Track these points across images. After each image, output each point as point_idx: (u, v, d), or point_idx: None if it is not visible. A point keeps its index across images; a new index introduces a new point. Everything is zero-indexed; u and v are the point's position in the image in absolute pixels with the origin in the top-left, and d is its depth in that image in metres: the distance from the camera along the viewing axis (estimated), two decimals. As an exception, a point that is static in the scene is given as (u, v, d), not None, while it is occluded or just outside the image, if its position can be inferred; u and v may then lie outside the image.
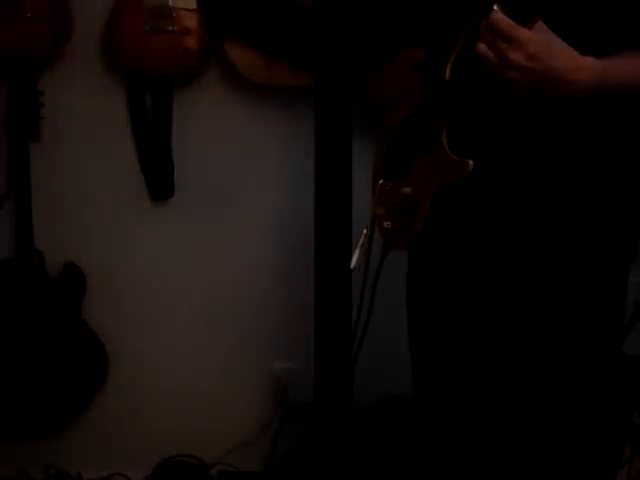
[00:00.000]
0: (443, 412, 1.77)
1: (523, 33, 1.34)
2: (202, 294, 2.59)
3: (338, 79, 2.11)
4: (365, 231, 1.70)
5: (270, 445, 2.60)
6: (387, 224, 1.63)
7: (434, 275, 1.71)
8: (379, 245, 1.69)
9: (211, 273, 2.58)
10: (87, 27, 2.42)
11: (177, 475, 2.60)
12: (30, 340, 2.44)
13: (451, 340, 1.71)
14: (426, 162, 1.52)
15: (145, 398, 2.62)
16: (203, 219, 2.56)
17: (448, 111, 1.47)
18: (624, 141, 1.53)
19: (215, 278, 2.59)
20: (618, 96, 1.45)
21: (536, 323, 1.59)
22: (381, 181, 1.64)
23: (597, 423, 1.63)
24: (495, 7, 1.34)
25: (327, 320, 2.21)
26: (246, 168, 2.54)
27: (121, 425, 2.62)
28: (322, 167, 2.18)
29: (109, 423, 2.61)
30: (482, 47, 1.37)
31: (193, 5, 2.35)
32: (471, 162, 1.44)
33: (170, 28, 2.33)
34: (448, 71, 1.45)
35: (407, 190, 1.56)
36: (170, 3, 2.33)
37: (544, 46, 1.36)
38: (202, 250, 2.57)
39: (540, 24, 1.35)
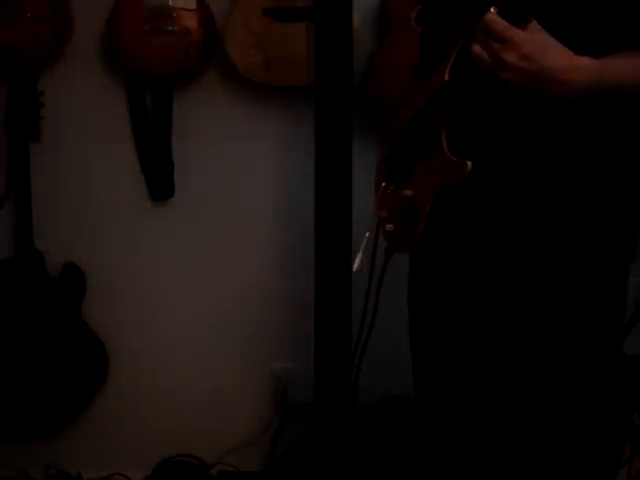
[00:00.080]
0: (444, 412, 1.77)
1: (517, 34, 1.34)
2: (202, 294, 2.59)
3: (338, 79, 2.11)
4: (368, 234, 1.70)
5: (270, 445, 2.61)
6: (390, 227, 1.63)
7: (435, 276, 1.71)
8: (382, 248, 1.69)
9: (211, 273, 2.58)
10: (87, 27, 2.42)
11: (177, 475, 2.60)
12: (30, 340, 2.44)
13: (452, 340, 1.71)
14: (427, 164, 1.52)
15: (145, 398, 2.62)
16: (203, 219, 2.56)
17: (448, 112, 1.47)
18: (622, 140, 1.53)
19: (215, 278, 2.59)
20: (616, 96, 1.45)
21: (536, 323, 1.59)
22: (384, 184, 1.64)
23: (597, 423, 1.63)
24: (492, 9, 1.34)
25: (327, 320, 2.21)
26: (246, 168, 2.54)
27: (121, 425, 2.62)
28: (322, 167, 2.18)
29: (109, 423, 2.61)
30: (476, 48, 1.37)
31: (193, 5, 2.35)
32: (469, 163, 1.43)
33: (170, 28, 2.33)
34: (447, 72, 1.45)
35: (408, 192, 1.56)
36: (170, 3, 2.33)
37: (538, 46, 1.36)
38: (202, 250, 2.57)
39: (534, 24, 1.35)
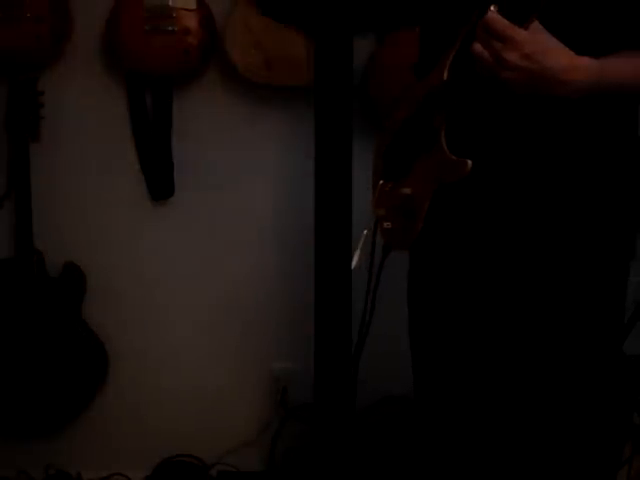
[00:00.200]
0: (443, 411, 1.77)
1: (518, 33, 1.34)
2: (202, 294, 2.59)
3: (338, 79, 2.12)
4: (365, 232, 1.70)
5: (270, 445, 2.60)
6: (387, 225, 1.63)
7: (435, 274, 1.71)
8: (379, 246, 1.69)
9: (211, 273, 2.58)
10: (87, 27, 2.42)
11: (177, 475, 2.60)
12: (30, 340, 2.44)
13: (451, 339, 1.70)
14: (425, 162, 1.52)
15: (145, 398, 2.62)
16: (203, 219, 2.56)
17: (447, 111, 1.47)
18: (622, 140, 1.53)
19: (215, 278, 2.59)
20: (616, 96, 1.45)
21: (536, 322, 1.59)
22: (381, 182, 1.64)
23: (597, 423, 1.63)
24: (492, 8, 1.34)
25: (327, 320, 2.22)
26: (246, 168, 2.54)
27: (121, 425, 2.62)
28: (322, 167, 2.18)
29: (109, 423, 2.61)
30: (478, 47, 1.37)
31: (193, 5, 2.35)
32: (470, 162, 1.43)
33: (170, 28, 2.34)
34: (446, 71, 1.45)
35: (407, 190, 1.56)
36: (170, 3, 2.33)
37: (539, 46, 1.36)
38: (202, 250, 2.57)
39: (536, 24, 1.35)
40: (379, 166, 1.66)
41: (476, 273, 1.62)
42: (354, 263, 1.72)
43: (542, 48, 1.36)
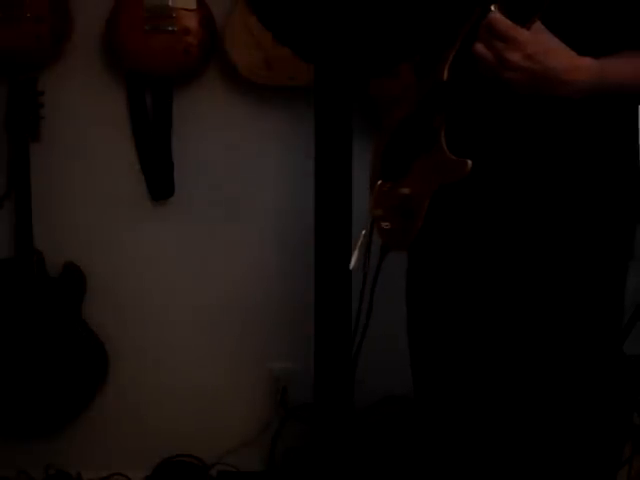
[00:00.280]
0: (443, 411, 1.77)
1: (521, 33, 1.34)
2: (202, 294, 2.59)
3: (338, 79, 2.11)
4: (364, 232, 1.70)
5: (270, 445, 2.60)
6: (386, 225, 1.62)
7: (434, 273, 1.71)
8: (378, 245, 1.69)
9: (211, 273, 2.58)
10: (87, 27, 2.43)
11: (177, 475, 2.60)
12: (30, 340, 2.44)
13: (450, 339, 1.70)
14: (425, 162, 1.52)
15: (145, 398, 2.62)
16: (203, 219, 2.56)
17: (447, 111, 1.47)
18: (622, 140, 1.53)
19: (215, 278, 2.59)
20: (616, 96, 1.45)
21: (535, 322, 1.59)
22: (379, 182, 1.64)
23: (597, 423, 1.63)
24: (493, 7, 1.34)
25: (327, 320, 2.22)
26: (246, 168, 2.54)
27: (121, 425, 2.62)
28: (322, 167, 2.18)
29: (109, 423, 2.61)
30: (480, 47, 1.37)
31: (193, 5, 2.35)
32: (470, 162, 1.43)
33: (170, 28, 2.34)
34: (446, 71, 1.45)
35: (406, 191, 1.56)
36: (170, 3, 2.33)
37: (542, 46, 1.36)
38: (202, 250, 2.57)
39: (538, 24, 1.35)
40: (377, 166, 1.66)
41: (475, 273, 1.62)
42: (352, 264, 1.72)
43: (544, 48, 1.36)
